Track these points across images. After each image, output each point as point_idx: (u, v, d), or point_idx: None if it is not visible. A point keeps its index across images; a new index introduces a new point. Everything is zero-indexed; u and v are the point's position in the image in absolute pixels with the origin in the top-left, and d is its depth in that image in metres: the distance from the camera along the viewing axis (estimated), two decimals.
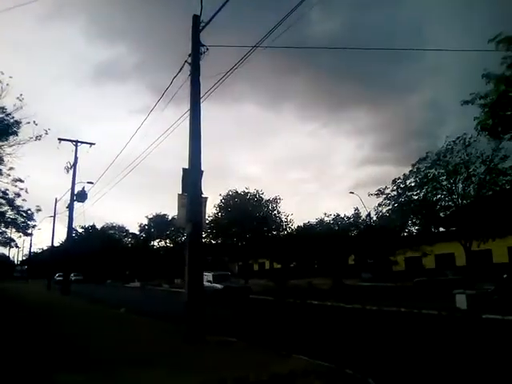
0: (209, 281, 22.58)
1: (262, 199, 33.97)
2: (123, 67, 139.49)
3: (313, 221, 30.98)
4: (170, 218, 56.31)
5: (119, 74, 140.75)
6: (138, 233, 63.21)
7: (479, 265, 29.15)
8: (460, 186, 25.71)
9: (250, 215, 31.90)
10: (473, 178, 25.23)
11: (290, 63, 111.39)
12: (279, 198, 34.33)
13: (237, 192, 34.09)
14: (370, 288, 30.15)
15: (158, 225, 58.15)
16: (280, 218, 34.69)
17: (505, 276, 17.42)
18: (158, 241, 60.76)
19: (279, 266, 45.88)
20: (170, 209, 62.45)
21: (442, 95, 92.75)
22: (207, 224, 29.49)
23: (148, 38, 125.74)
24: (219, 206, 34.39)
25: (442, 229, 29.77)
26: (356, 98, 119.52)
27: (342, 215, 28.42)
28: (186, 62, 11.15)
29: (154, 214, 58.62)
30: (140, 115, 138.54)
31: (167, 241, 58.64)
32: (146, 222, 59.83)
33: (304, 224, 32.36)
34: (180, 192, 11.10)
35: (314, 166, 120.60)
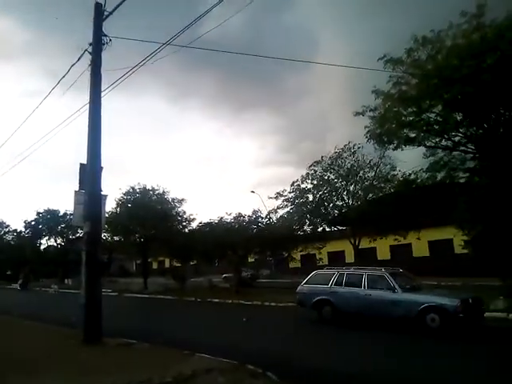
0: None
1: (165, 195, 33.21)
2: (12, 43, 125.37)
3: (214, 219, 31.17)
4: (61, 213, 52.24)
5: (6, 51, 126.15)
6: (23, 229, 57.30)
7: (366, 261, 31.95)
8: (351, 188, 27.92)
9: (151, 212, 30.95)
10: (363, 183, 27.56)
11: (196, 61, 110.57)
12: (183, 198, 34.05)
13: (138, 187, 32.78)
14: (267, 284, 31.35)
15: (49, 221, 53.52)
16: (182, 216, 34.29)
17: None
18: (46, 238, 55.88)
19: (179, 264, 45.35)
20: (63, 204, 57.87)
21: (334, 102, 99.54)
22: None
23: (45, 16, 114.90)
24: (119, 201, 32.79)
25: (335, 228, 32.13)
26: (258, 100, 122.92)
27: (244, 214, 29.22)
28: (86, 50, 10.49)
29: (45, 209, 53.76)
30: (33, 100, 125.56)
31: (58, 238, 54.25)
32: (33, 217, 54.50)
33: (205, 222, 32.33)
34: (77, 189, 10.42)
35: (219, 164, 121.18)
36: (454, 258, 30.38)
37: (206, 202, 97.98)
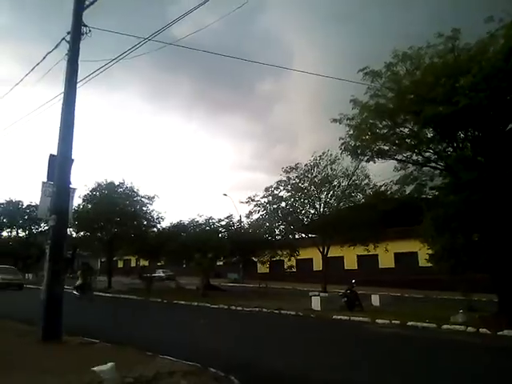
0: None
1: (135, 193, 32.46)
2: None
3: (185, 220, 30.82)
4: (25, 205, 50.50)
5: None
6: None
7: (333, 270, 32.40)
8: (323, 197, 28.28)
9: (119, 209, 30.25)
10: (335, 191, 27.95)
11: (173, 61, 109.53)
12: (155, 194, 33.24)
13: (105, 183, 31.80)
14: (235, 289, 31.23)
15: (11, 212, 51.58)
16: (151, 214, 33.66)
17: (353, 281, 19.65)
18: (8, 231, 53.84)
19: (146, 263, 44.61)
20: (27, 196, 55.92)
21: (307, 109, 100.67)
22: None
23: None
24: (86, 196, 31.84)
25: (306, 235, 32.45)
26: (234, 103, 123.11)
27: (215, 217, 29.11)
28: (63, 39, 10.19)
29: (7, 200, 51.79)
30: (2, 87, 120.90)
31: (20, 231, 52.37)
32: None
33: (176, 222, 31.93)
34: (45, 180, 10.06)
35: (193, 165, 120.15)
36: (419, 270, 31.15)
37: (178, 203, 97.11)
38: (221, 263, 36.38)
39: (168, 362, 7.18)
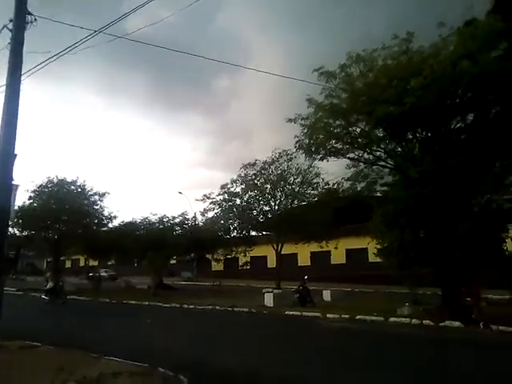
0: None
1: (85, 190, 31.06)
2: None
3: (138, 218, 29.93)
4: None
5: None
6: None
7: (287, 267, 32.75)
8: (278, 194, 28.50)
9: (68, 207, 28.87)
10: (288, 188, 28.24)
11: (127, 57, 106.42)
12: (106, 191, 31.98)
13: (54, 180, 30.26)
14: (189, 287, 30.82)
15: None
16: (102, 212, 32.38)
17: (305, 277, 19.96)
18: None
19: (96, 263, 43.11)
20: None
21: (262, 108, 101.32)
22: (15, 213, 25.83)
23: None
24: (33, 193, 30.10)
25: (261, 233, 32.58)
26: (190, 100, 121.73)
27: (170, 215, 28.54)
28: (5, 26, 9.50)
29: None
30: None
31: None
32: None
33: (128, 221, 30.94)
34: None
35: (148, 163, 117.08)
36: (368, 266, 32.12)
37: (132, 202, 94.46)
38: (174, 261, 35.79)
39: (114, 364, 6.96)
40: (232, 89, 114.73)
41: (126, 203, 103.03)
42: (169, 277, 35.99)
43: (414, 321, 13.83)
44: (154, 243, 25.51)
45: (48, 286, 21.38)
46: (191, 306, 19.18)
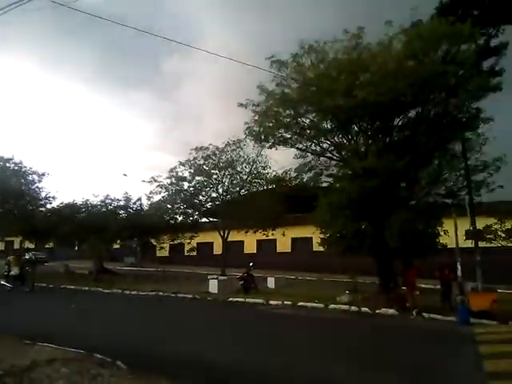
0: None
1: (21, 169, 29.10)
2: None
3: (78, 200, 28.53)
4: None
5: None
6: None
7: (233, 254, 32.91)
8: (226, 181, 28.40)
9: (1, 186, 26.98)
10: (237, 176, 28.23)
11: (80, 28, 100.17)
12: (45, 171, 30.11)
13: None
14: (133, 273, 30.12)
15: None
16: (40, 193, 30.53)
17: (250, 264, 20.17)
18: None
19: (32, 245, 40.95)
20: None
21: (215, 92, 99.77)
22: None
23: None
24: None
25: (208, 219, 32.36)
26: (140, 79, 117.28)
27: (113, 197, 27.44)
28: None
29: None
30: None
31: None
32: None
33: (68, 202, 29.40)
34: None
35: (97, 143, 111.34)
36: (313, 255, 32.99)
37: (74, 182, 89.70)
38: (117, 246, 34.76)
39: (49, 350, 6.69)
40: (184, 71, 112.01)
41: (68, 184, 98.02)
42: (111, 262, 35.00)
43: (353, 308, 14.41)
44: (95, 227, 24.53)
45: (13, 272, 19.16)
46: (134, 292, 18.80)
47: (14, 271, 19.19)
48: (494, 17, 15.08)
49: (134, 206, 27.70)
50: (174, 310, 14.49)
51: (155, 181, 28.07)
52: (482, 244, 18.61)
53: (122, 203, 27.40)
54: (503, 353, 7.99)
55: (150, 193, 28.48)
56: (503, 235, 20.26)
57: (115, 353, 6.69)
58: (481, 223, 19.23)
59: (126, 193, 27.81)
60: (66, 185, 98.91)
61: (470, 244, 15.78)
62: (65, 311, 13.25)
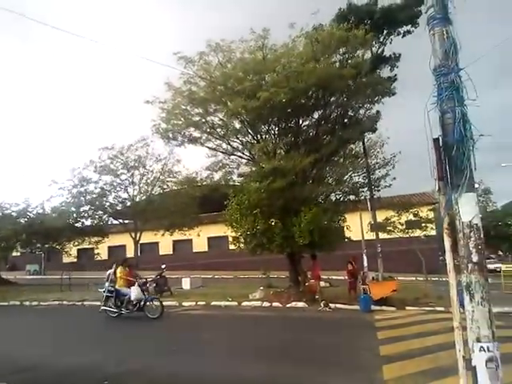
0: None
1: None
2: None
3: None
4: None
5: None
6: None
7: (148, 255, 31.92)
8: (137, 180, 27.43)
9: None
10: (149, 176, 27.42)
11: None
12: None
13: None
14: (35, 281, 27.83)
15: None
16: None
17: (163, 266, 19.70)
18: None
19: None
20: None
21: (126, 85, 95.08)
22: None
23: None
24: None
25: (118, 221, 30.92)
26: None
27: (8, 203, 24.99)
28: None
29: None
30: None
31: None
32: None
33: None
34: None
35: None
36: (228, 253, 33.13)
37: None
38: (17, 254, 31.86)
39: None
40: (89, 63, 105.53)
41: None
42: (10, 271, 32.01)
43: (265, 303, 14.69)
44: None
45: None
46: (34, 303, 17.36)
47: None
48: (382, 26, 16.26)
49: (35, 210, 25.51)
50: (83, 320, 13.53)
51: (55, 183, 26.22)
52: (383, 236, 20.19)
53: (21, 207, 25.13)
54: (398, 337, 8.66)
55: (51, 196, 26.52)
56: (400, 227, 21.98)
57: None
58: (382, 216, 20.81)
59: (24, 198, 25.59)
60: None
61: (373, 236, 16.99)
62: None
